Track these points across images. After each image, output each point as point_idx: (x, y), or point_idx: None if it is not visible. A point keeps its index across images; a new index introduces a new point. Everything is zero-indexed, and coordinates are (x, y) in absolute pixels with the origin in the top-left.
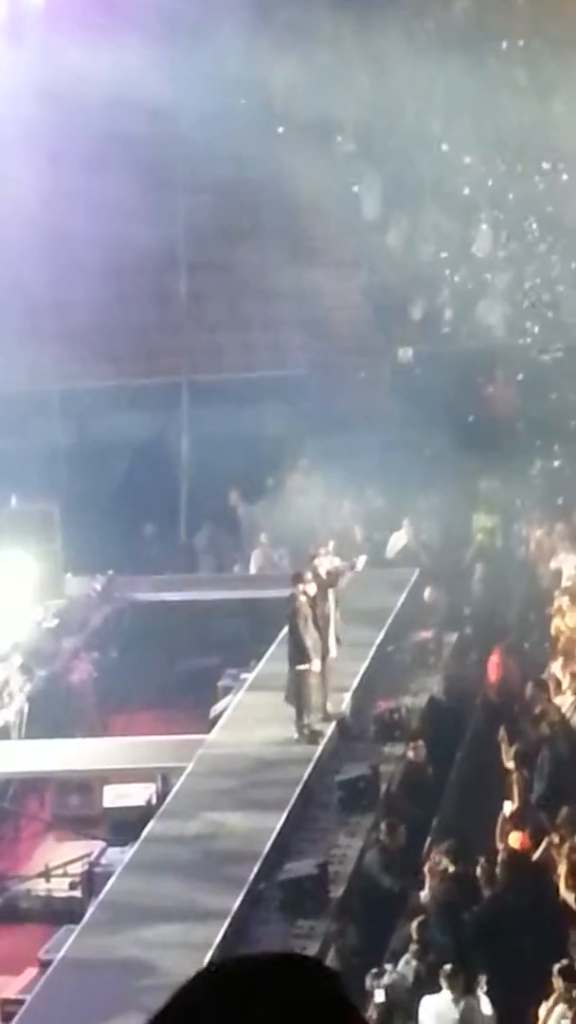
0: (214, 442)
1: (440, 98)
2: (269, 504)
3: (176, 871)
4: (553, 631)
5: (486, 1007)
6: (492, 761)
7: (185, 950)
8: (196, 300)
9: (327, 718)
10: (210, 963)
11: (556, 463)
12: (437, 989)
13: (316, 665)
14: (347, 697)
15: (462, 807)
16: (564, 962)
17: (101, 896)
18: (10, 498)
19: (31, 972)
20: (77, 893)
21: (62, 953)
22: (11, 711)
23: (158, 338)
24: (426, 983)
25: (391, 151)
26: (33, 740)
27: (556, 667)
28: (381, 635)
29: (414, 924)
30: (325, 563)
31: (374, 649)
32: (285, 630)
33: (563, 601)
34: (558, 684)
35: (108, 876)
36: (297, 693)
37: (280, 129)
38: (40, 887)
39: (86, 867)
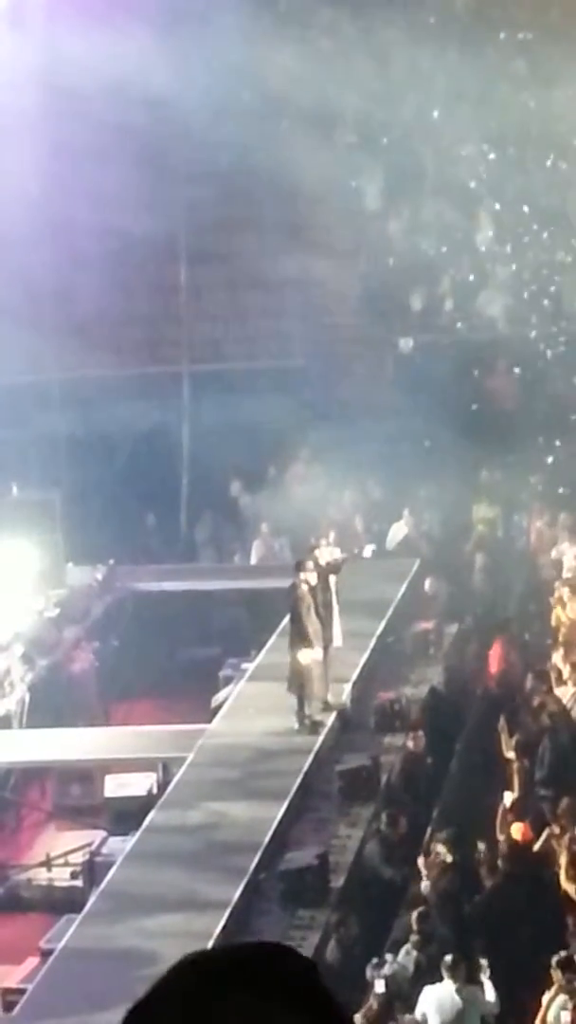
0: (215, 432)
1: (441, 88)
2: (270, 494)
3: (177, 861)
4: (554, 621)
5: (490, 993)
6: (492, 752)
7: (186, 940)
8: (197, 290)
9: (328, 708)
10: (186, 955)
11: (557, 454)
12: (438, 979)
13: (319, 653)
14: (348, 688)
15: (462, 798)
16: (562, 954)
17: (102, 886)
18: (11, 488)
19: (32, 961)
20: (78, 883)
21: (63, 943)
22: (12, 700)
23: (159, 328)
24: (427, 973)
25: (392, 141)
26: (34, 730)
27: (557, 657)
28: (382, 626)
29: (414, 914)
30: (325, 554)
31: (375, 640)
32: (286, 620)
33: (564, 591)
34: (559, 674)
35: (109, 866)
36: (299, 683)
37: (283, 123)
38: (41, 876)
39: (87, 857)
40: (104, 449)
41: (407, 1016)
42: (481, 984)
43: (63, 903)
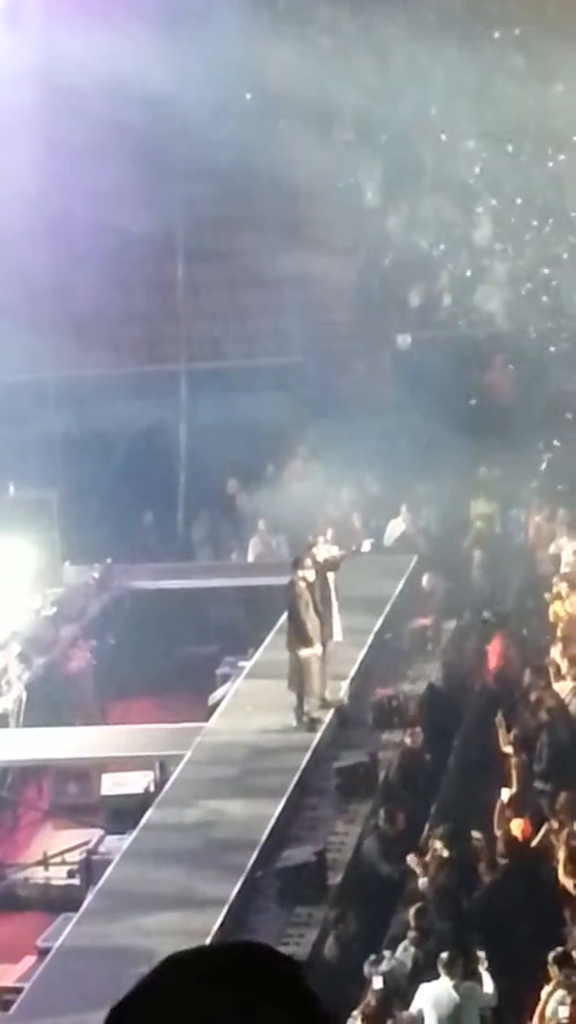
0: (213, 430)
1: (439, 85)
2: (268, 491)
3: (174, 859)
4: (552, 617)
5: (488, 984)
6: (490, 747)
7: (183, 938)
8: (195, 287)
9: (325, 705)
10: (170, 955)
11: (555, 450)
12: (435, 976)
13: (318, 649)
14: (345, 684)
15: (460, 794)
16: (559, 949)
17: (99, 884)
18: (8, 486)
19: (29, 960)
20: (75, 881)
21: (60, 941)
22: (9, 699)
23: (157, 326)
24: (425, 970)
25: (390, 138)
26: (31, 728)
27: (555, 653)
28: (379, 622)
29: (412, 911)
30: (323, 551)
31: (372, 636)
32: (283, 617)
33: (562, 587)
34: (557, 670)
35: (106, 864)
36: (299, 680)
37: (282, 120)
38: (38, 875)
39: (84, 855)
40: (101, 447)
41: (405, 1012)
42: (479, 977)
43: (60, 901)
